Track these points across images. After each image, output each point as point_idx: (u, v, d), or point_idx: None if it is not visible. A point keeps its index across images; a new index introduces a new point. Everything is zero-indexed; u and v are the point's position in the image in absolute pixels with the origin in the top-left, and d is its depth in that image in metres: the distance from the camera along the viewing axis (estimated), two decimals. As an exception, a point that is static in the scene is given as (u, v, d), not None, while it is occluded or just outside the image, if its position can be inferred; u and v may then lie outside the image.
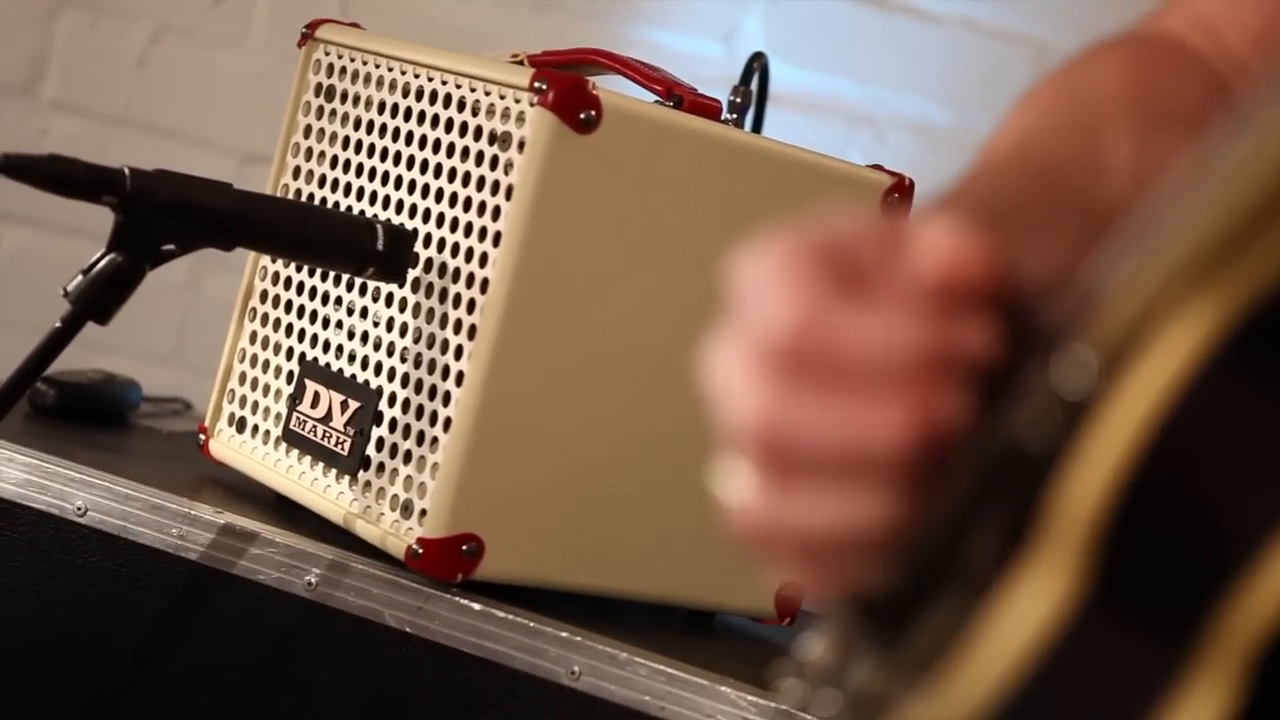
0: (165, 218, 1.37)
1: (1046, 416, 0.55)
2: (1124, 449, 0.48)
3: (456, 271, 1.49)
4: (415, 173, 1.55)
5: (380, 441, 1.53)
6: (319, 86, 1.66)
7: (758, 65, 1.69)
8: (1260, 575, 0.46)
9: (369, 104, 1.61)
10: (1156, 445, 0.48)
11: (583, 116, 1.44)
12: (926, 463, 0.58)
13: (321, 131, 1.65)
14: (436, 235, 1.51)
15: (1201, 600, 0.47)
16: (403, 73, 1.58)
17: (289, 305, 1.65)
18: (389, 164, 1.58)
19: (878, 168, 1.60)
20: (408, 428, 1.50)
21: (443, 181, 1.52)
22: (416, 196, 1.54)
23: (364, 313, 1.57)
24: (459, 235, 1.50)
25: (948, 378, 0.58)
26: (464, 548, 1.46)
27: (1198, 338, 0.48)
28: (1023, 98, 0.77)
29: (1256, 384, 0.48)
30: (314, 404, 1.59)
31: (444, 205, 1.52)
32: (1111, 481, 0.48)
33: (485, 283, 1.46)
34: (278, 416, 1.64)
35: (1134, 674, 0.46)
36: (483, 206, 1.48)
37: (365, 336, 1.57)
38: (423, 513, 1.47)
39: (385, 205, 1.57)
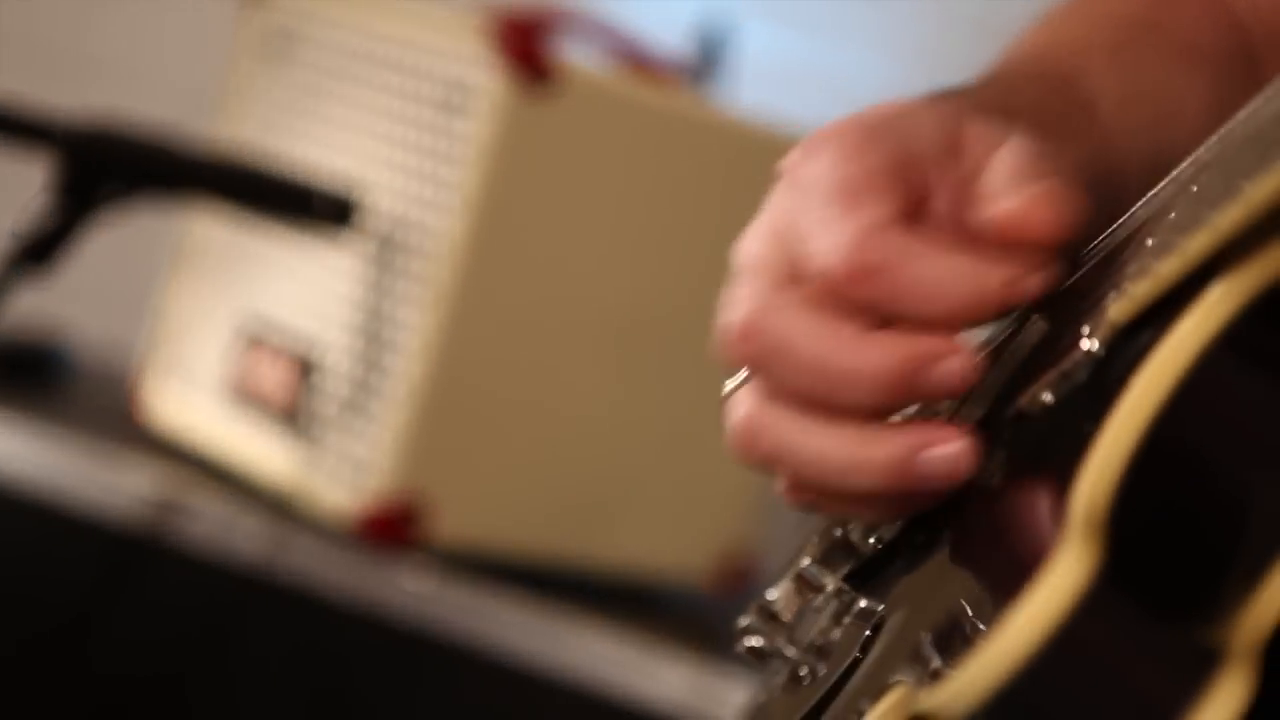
0: (108, 164, 1.35)
1: (1072, 384, 0.54)
2: (1142, 424, 0.47)
3: (406, 227, 1.47)
4: (366, 128, 1.53)
5: (325, 401, 1.50)
6: (265, 40, 1.63)
7: (720, 32, 1.68)
8: (1274, 563, 0.46)
9: (317, 59, 1.59)
10: (1170, 423, 0.47)
11: (541, 75, 1.42)
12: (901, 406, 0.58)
13: (268, 87, 1.62)
14: (387, 190, 1.49)
15: (1216, 587, 0.46)
16: (353, 26, 1.56)
17: (232, 259, 1.62)
18: (338, 120, 1.55)
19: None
20: (354, 388, 1.48)
21: (395, 137, 1.50)
22: (367, 152, 1.52)
23: (309, 268, 1.54)
24: (410, 190, 1.48)
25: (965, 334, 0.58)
26: (410, 513, 1.44)
27: (1225, 312, 0.47)
28: (1041, 16, 0.76)
29: (1267, 367, 0.48)
30: (256, 361, 1.56)
31: (396, 160, 1.49)
32: (1125, 459, 0.47)
33: (437, 239, 1.45)
34: (217, 373, 1.60)
35: (1152, 664, 0.46)
36: (436, 163, 1.46)
37: (311, 292, 1.54)
38: (368, 476, 1.45)
39: (334, 160, 1.54)
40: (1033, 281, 0.58)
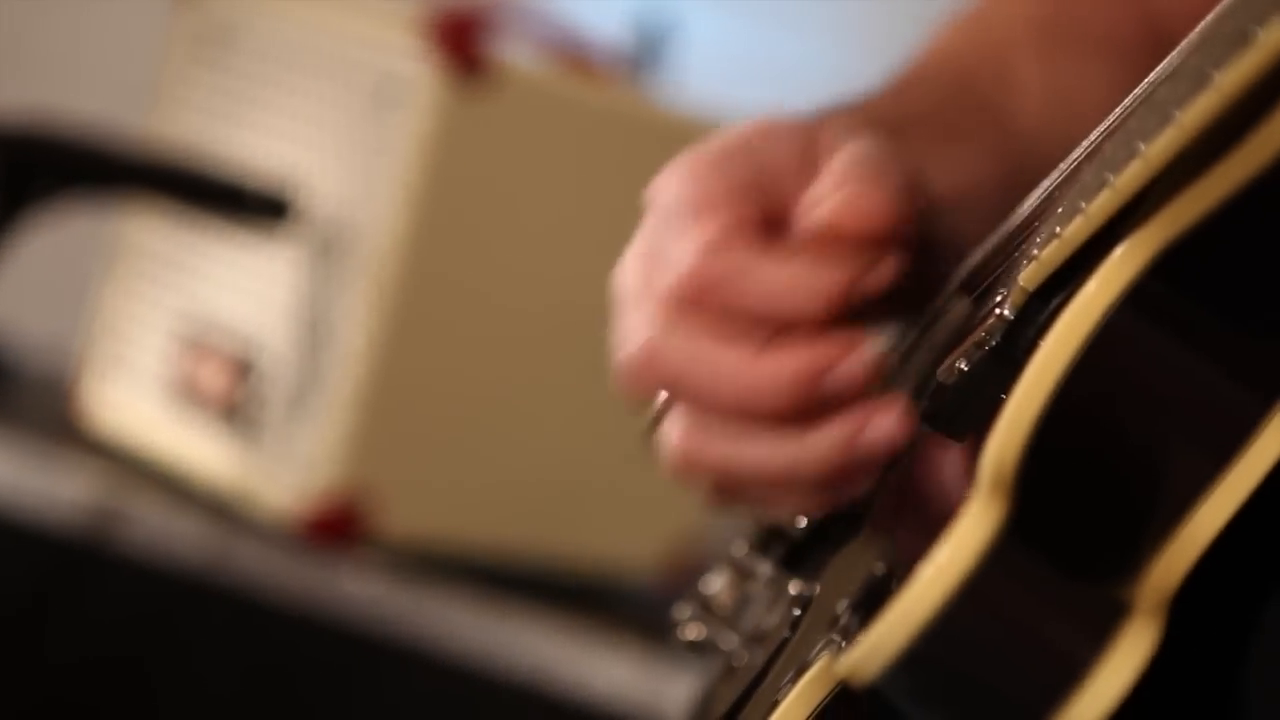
0: (40, 163, 1.34)
1: (985, 350, 0.55)
2: (1050, 385, 0.48)
3: (345, 223, 1.46)
4: (303, 124, 1.52)
5: (267, 401, 1.49)
6: (200, 35, 1.62)
7: (661, 22, 1.68)
8: (1181, 520, 0.47)
9: (254, 55, 1.58)
10: (1077, 383, 0.48)
11: (477, 69, 1.42)
12: (819, 407, 0.58)
13: (203, 82, 1.61)
14: (325, 186, 1.48)
15: (1124, 543, 0.47)
16: (289, 22, 1.55)
17: (170, 258, 1.61)
18: (275, 115, 1.54)
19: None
20: (296, 386, 1.47)
21: (332, 133, 1.49)
22: (304, 147, 1.51)
23: (248, 266, 1.53)
24: (349, 187, 1.47)
25: (844, 326, 0.58)
26: (355, 512, 1.43)
27: (1128, 273, 0.48)
28: (945, 20, 0.77)
29: (1171, 326, 0.49)
30: (196, 361, 1.55)
31: (333, 156, 1.49)
32: (1033, 419, 0.48)
33: (376, 235, 1.44)
34: (157, 374, 1.59)
35: (1059, 616, 0.46)
36: (373, 158, 1.46)
37: (250, 290, 1.53)
38: (312, 476, 1.44)
39: (271, 156, 1.53)
40: (873, 276, 0.59)
